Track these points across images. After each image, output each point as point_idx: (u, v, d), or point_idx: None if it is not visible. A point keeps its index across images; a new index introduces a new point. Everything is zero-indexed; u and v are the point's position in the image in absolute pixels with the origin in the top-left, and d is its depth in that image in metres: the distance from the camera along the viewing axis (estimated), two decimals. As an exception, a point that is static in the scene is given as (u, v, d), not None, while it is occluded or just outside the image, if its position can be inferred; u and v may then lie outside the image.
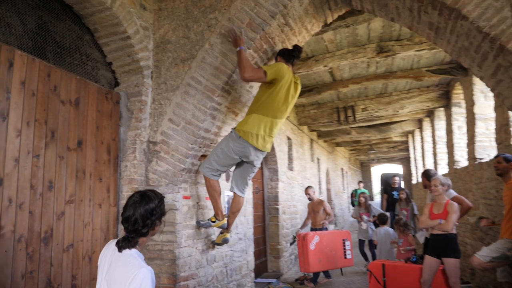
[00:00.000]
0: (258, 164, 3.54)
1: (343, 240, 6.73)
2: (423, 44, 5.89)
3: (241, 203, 3.66)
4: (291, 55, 3.48)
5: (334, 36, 5.78)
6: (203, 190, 3.93)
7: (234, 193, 3.62)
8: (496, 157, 4.05)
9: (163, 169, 3.50)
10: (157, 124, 3.60)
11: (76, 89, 3.06)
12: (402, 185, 10.01)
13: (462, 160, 8.61)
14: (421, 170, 13.10)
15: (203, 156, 3.73)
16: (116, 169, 3.45)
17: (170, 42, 3.70)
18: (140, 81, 3.60)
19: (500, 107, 5.78)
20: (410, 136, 15.05)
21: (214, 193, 3.54)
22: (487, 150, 7.05)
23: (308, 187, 7.25)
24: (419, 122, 12.06)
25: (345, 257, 6.70)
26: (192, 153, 3.50)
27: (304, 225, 7.37)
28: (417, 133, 13.53)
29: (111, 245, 1.80)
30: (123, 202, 3.39)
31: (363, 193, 8.56)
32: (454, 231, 4.03)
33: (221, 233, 3.82)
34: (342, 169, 18.93)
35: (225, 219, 3.73)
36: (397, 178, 9.52)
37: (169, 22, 3.74)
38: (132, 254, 1.70)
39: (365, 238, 7.58)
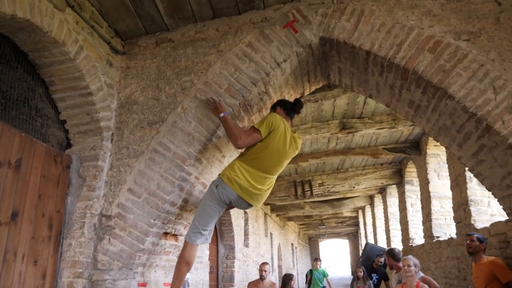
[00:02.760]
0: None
1: None
2: (383, 123, 6.06)
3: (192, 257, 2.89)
4: (293, 109, 3.10)
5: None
6: (161, 274, 3.30)
7: (186, 241, 2.85)
8: (468, 235, 3.94)
9: (117, 249, 2.89)
10: (114, 194, 3.06)
11: (19, 148, 2.50)
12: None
13: (417, 237, 8.63)
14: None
15: (166, 234, 3.18)
16: (57, 248, 2.78)
17: (137, 102, 3.33)
18: (98, 143, 3.11)
19: (457, 186, 5.91)
20: (360, 212, 15.21)
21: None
22: (443, 228, 7.13)
23: (265, 263, 6.14)
24: (371, 198, 12.26)
25: None
26: (154, 230, 2.95)
27: None
28: (367, 209, 13.69)
29: None
30: (61, 291, 2.68)
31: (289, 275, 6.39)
32: None
33: None
34: (292, 244, 18.42)
35: None
36: (382, 258, 6.88)
37: (138, 81, 3.40)
38: None
39: None
